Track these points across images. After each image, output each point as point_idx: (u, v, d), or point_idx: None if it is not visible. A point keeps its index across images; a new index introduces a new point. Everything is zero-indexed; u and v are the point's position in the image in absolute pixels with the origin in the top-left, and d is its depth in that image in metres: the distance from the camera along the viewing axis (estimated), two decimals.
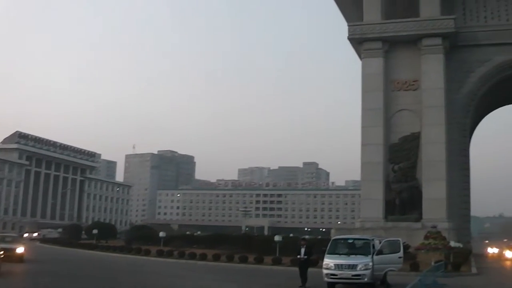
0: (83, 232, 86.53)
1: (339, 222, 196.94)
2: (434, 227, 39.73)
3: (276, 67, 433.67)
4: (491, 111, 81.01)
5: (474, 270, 36.67)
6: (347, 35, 64.50)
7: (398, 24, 63.20)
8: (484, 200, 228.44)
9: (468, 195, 65.71)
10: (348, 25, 64.81)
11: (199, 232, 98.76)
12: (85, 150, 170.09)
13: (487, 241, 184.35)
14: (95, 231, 72.70)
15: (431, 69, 61.89)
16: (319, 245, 33.70)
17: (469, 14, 66.43)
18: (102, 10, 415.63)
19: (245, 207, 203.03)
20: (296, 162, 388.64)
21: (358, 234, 34.92)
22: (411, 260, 33.89)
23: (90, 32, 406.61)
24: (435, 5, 63.38)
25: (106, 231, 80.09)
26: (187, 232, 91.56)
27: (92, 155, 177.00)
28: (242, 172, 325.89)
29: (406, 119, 62.57)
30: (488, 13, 66.26)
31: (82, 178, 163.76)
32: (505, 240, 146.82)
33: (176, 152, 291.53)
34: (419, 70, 62.31)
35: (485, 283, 28.35)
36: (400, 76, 63.29)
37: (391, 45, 63.61)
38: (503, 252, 63.06)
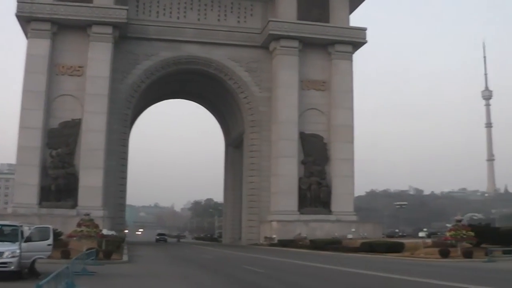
0: None
1: None
2: (87, 214, 39.53)
3: None
4: (153, 104, 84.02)
5: (125, 258, 37.69)
6: (16, 11, 61.00)
7: (69, 8, 61.71)
8: (140, 190, 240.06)
9: (124, 184, 67.26)
10: (18, 1, 61.14)
11: None
12: None
13: (141, 230, 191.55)
14: None
15: (98, 57, 61.79)
16: None
17: (142, 7, 67.91)
18: None
19: None
20: None
21: (9, 221, 33.09)
22: (63, 248, 33.52)
23: None
24: None
25: None
26: None
27: None
28: None
29: (68, 104, 61.53)
30: (160, 9, 68.50)
31: None
32: None
33: None
34: (86, 56, 61.75)
35: (132, 270, 29.00)
36: (66, 60, 61.98)
37: (61, 28, 61.86)
38: None
